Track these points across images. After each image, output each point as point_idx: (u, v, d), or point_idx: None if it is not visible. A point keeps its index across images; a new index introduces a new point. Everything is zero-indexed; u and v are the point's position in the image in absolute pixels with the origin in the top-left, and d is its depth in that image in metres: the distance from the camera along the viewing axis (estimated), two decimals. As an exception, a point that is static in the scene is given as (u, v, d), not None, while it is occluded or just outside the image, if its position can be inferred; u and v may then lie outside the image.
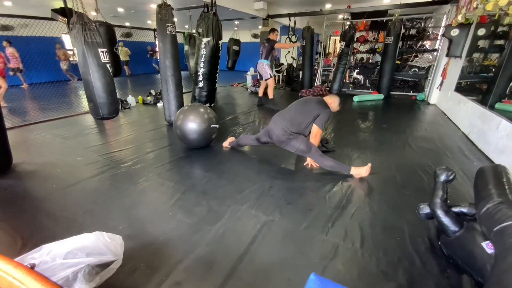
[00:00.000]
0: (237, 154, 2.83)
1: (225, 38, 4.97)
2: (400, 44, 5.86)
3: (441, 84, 5.19)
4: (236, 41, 7.26)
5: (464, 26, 4.10)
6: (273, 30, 4.98)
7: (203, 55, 4.22)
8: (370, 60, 7.45)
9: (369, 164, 2.29)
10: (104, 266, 1.17)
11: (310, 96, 2.43)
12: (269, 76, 4.96)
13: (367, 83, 6.93)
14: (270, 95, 4.98)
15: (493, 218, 1.07)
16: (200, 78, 4.38)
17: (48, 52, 7.91)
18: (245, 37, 7.84)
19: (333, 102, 2.49)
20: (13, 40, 6.76)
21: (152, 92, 5.66)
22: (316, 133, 2.40)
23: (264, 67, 4.95)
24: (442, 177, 1.48)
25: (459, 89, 4.31)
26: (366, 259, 1.41)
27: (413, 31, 6.67)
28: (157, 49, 4.65)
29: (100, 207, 1.88)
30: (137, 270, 1.33)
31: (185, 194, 2.04)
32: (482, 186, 1.31)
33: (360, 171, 2.28)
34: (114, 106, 2.89)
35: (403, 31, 5.78)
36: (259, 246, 1.50)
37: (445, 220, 1.39)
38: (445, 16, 5.61)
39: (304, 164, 2.36)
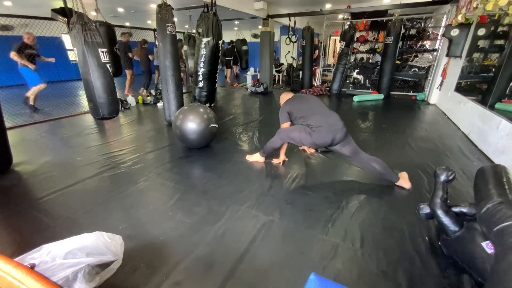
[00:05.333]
0: (237, 154, 2.83)
1: (225, 38, 4.96)
2: (400, 44, 5.85)
3: (441, 84, 5.19)
4: (243, 41, 7.40)
5: (464, 26, 4.10)
6: None
7: (203, 55, 4.22)
8: (370, 60, 7.45)
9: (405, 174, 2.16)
10: (104, 266, 1.17)
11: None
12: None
13: (367, 83, 6.93)
14: None
15: (493, 218, 1.07)
16: (200, 78, 4.39)
17: (47, 52, 7.89)
18: (245, 37, 7.88)
19: (280, 99, 2.50)
20: (12, 40, 6.74)
21: (152, 92, 5.66)
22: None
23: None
24: (442, 177, 1.47)
25: (459, 89, 4.31)
26: (366, 259, 1.41)
27: (413, 31, 6.67)
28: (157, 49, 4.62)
29: (100, 207, 1.88)
30: (137, 270, 1.33)
31: (185, 194, 2.04)
32: (482, 186, 1.31)
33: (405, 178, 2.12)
34: (114, 106, 2.89)
35: (403, 31, 5.77)
36: (259, 246, 1.50)
37: (445, 220, 1.39)
38: (445, 16, 5.60)
39: (300, 148, 2.24)
